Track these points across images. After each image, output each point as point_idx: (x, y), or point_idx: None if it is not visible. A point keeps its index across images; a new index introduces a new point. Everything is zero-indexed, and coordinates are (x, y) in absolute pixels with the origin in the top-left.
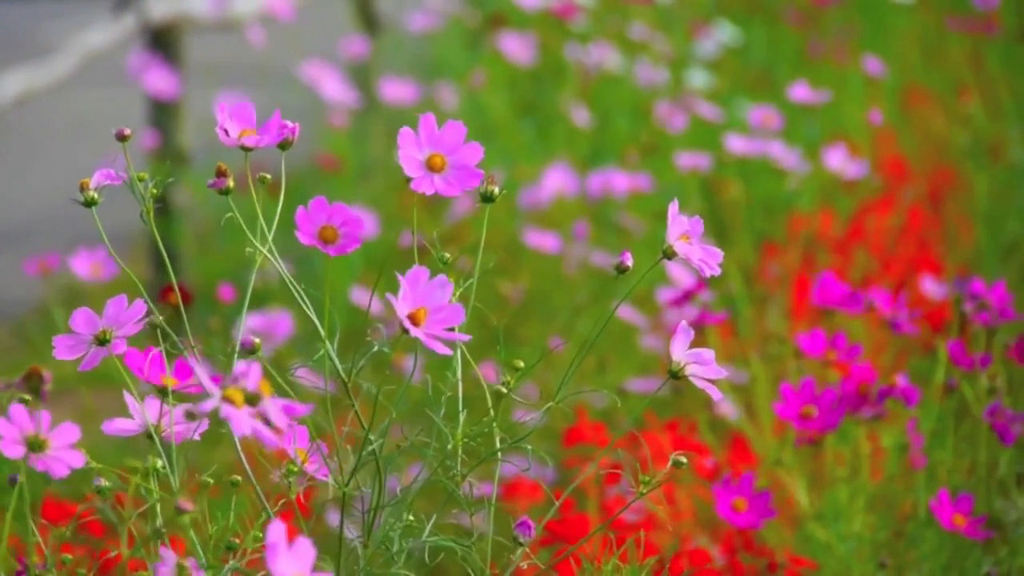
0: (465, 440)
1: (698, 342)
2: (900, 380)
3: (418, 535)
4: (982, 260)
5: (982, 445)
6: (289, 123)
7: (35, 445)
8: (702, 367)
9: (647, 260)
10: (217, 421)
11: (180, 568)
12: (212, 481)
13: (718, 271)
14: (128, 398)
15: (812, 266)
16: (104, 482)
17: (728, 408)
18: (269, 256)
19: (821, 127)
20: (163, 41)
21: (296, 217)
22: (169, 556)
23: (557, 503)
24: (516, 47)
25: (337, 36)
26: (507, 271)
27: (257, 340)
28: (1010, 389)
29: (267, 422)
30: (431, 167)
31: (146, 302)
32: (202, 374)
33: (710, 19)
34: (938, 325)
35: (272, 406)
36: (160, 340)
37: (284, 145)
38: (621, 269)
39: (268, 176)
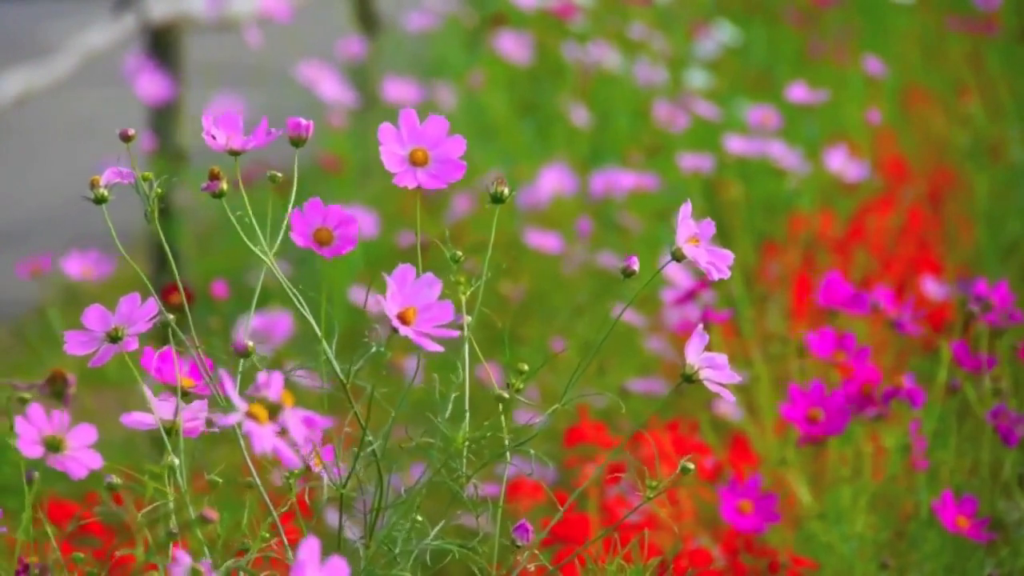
0: (469, 443)
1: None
2: (906, 381)
3: (421, 536)
4: (982, 260)
5: (984, 446)
6: (303, 120)
7: (53, 445)
8: (715, 371)
9: (646, 259)
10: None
11: (195, 572)
12: (220, 481)
13: (727, 274)
14: (148, 392)
15: (812, 266)
16: (115, 479)
17: (729, 408)
18: (266, 259)
19: (821, 127)
20: (163, 41)
21: (291, 219)
22: (183, 558)
23: (562, 509)
24: (515, 47)
25: (336, 36)
26: (507, 271)
27: (251, 344)
28: (1015, 391)
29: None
30: (414, 161)
31: (156, 301)
32: (228, 385)
33: (710, 19)
34: (939, 325)
35: (293, 417)
36: (170, 339)
37: (297, 142)
38: (628, 273)
39: (279, 175)
